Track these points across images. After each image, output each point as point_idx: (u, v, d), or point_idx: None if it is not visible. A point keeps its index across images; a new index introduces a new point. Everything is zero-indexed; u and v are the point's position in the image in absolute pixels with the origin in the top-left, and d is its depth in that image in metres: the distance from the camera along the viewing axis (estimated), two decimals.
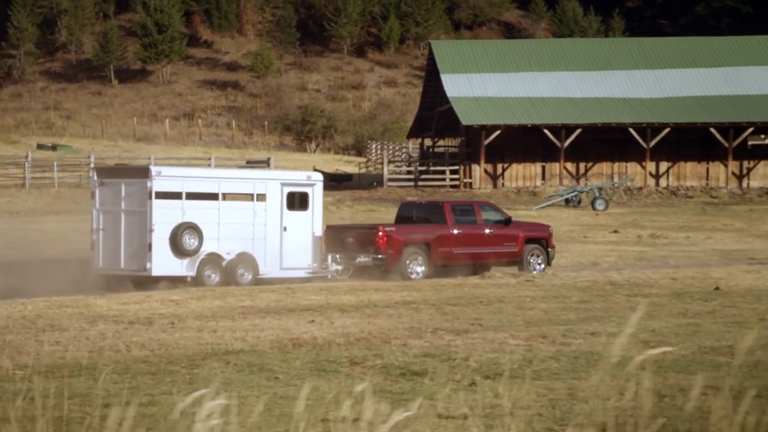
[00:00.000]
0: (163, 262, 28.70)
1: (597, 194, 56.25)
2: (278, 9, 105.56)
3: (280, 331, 18.53)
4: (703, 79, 65.94)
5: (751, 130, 63.56)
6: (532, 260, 33.46)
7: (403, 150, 78.02)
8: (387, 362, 14.92)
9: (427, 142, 72.55)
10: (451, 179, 64.29)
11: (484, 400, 11.97)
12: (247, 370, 14.60)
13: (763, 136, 69.08)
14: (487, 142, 62.29)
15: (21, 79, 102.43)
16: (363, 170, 69.95)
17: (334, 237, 31.67)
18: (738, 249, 42.10)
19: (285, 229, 30.45)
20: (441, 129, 68.34)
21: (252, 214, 30.10)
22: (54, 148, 76.10)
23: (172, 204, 29.08)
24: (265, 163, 63.79)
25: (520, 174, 64.37)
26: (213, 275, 29.15)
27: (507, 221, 34.04)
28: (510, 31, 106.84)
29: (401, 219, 34.08)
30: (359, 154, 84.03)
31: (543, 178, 63.96)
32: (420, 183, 64.17)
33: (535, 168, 63.73)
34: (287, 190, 30.59)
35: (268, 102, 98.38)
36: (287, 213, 30.50)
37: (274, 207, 30.30)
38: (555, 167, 63.22)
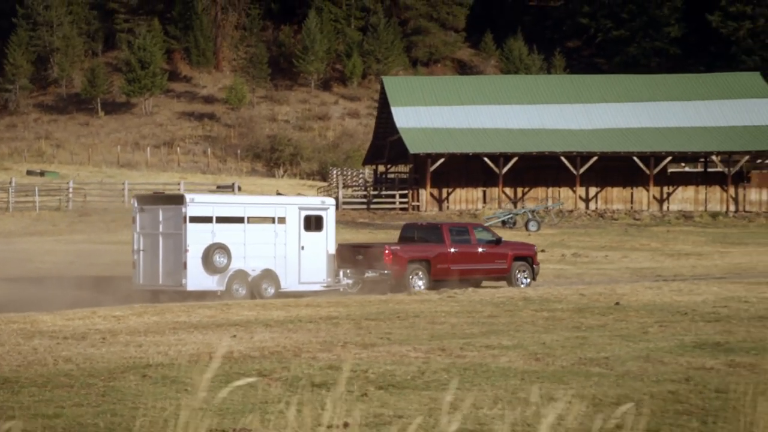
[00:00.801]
0: (197, 278, 29.69)
1: (530, 216, 56.46)
2: (251, 47, 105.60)
3: (201, 345, 18.20)
4: (628, 113, 66.35)
5: (669, 159, 63.93)
6: (519, 276, 34.41)
7: (360, 176, 78.10)
8: (292, 374, 14.69)
9: (381, 168, 72.64)
10: (401, 203, 64.43)
11: (370, 409, 12.14)
12: (160, 382, 14.51)
13: (683, 165, 69.55)
14: (432, 168, 62.48)
15: (16, 111, 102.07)
16: (322, 194, 69.99)
17: (346, 254, 32.52)
18: (649, 267, 42.36)
19: (302, 248, 31.22)
20: (393, 157, 68.50)
21: (274, 235, 30.91)
22: (42, 174, 75.97)
23: (204, 227, 30.00)
24: (230, 188, 64.01)
25: (463, 198, 64.56)
26: (240, 289, 30.11)
27: (497, 241, 35.01)
28: (462, 68, 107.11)
29: (404, 239, 35.01)
30: (324, 179, 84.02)
31: (484, 201, 64.17)
32: (372, 206, 64.25)
33: (477, 192, 63.98)
34: (304, 213, 31.47)
35: (241, 132, 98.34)
36: (304, 234, 31.30)
37: (293, 229, 31.14)
38: (494, 192, 63.48)
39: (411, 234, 35.55)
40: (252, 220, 31.13)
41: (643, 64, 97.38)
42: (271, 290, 30.46)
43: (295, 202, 33.94)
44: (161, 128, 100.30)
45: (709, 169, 66.99)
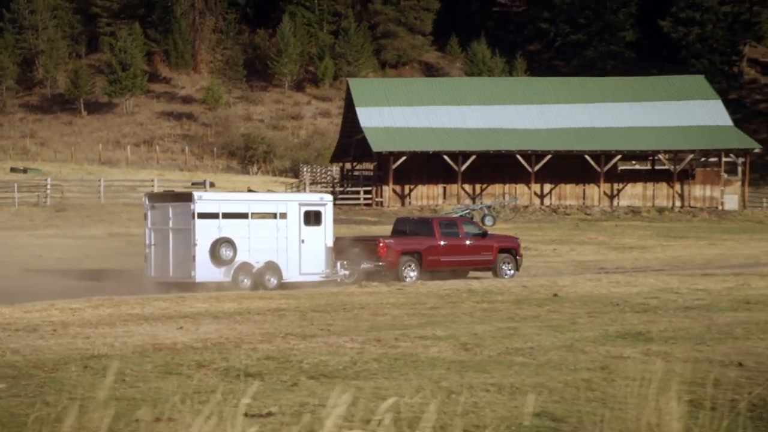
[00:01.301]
0: (205, 271, 30.03)
1: (486, 212, 56.41)
2: (228, 50, 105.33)
3: (147, 337, 17.95)
4: (581, 113, 66.55)
5: (619, 157, 64.24)
6: (504, 267, 34.67)
7: (328, 173, 78.06)
8: (229, 365, 14.35)
9: (348, 166, 72.65)
10: (365, 198, 64.46)
11: (296, 398, 11.90)
12: (100, 373, 13.92)
13: (634, 162, 69.79)
14: (395, 166, 62.54)
15: (2, 111, 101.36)
16: (291, 191, 69.88)
17: (343, 247, 32.82)
18: (593, 260, 42.14)
19: (303, 241, 31.61)
20: (358, 155, 68.43)
21: (276, 230, 31.35)
22: (25, 171, 75.59)
23: (211, 223, 30.35)
24: (202, 185, 63.79)
25: (425, 194, 64.60)
26: (245, 280, 30.41)
27: (483, 234, 35.43)
28: (429, 70, 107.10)
29: (396, 232, 35.24)
30: (296, 176, 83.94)
31: (444, 197, 64.24)
32: (338, 202, 64.06)
33: (438, 189, 64.07)
34: (304, 209, 31.88)
35: (218, 130, 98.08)
36: (304, 228, 31.71)
37: (293, 223, 31.56)
38: (454, 188, 63.55)
39: (403, 228, 35.75)
40: (255, 215, 31.40)
41: (600, 66, 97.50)
42: (274, 281, 30.85)
43: (295, 198, 34.70)
44: (141, 127, 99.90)
45: (657, 167, 67.32)
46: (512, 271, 34.76)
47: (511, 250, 35.40)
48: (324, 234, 32.08)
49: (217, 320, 20.63)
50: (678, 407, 8.38)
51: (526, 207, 62.99)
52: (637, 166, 68.86)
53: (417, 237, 34.57)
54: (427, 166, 63.45)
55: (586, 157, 63.20)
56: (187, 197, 31.16)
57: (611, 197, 65.06)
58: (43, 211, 56.81)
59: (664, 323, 19.84)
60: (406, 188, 63.62)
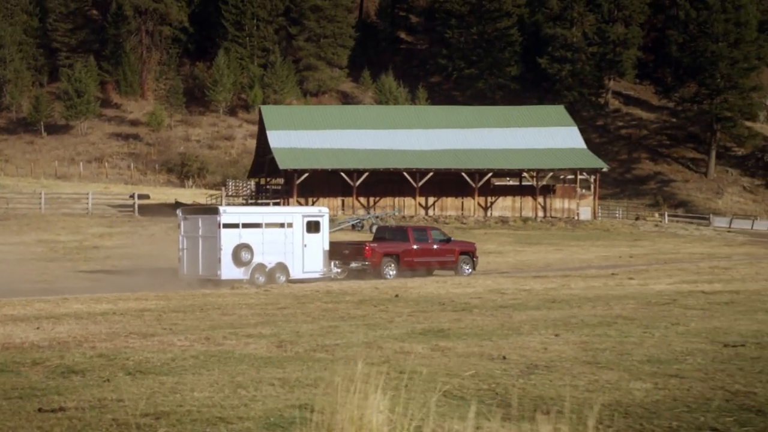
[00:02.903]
0: (228, 270, 31.85)
1: (374, 221, 56.51)
2: (170, 80, 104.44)
3: (2, 336, 16.92)
4: (459, 137, 66.79)
5: (490, 174, 64.48)
6: (463, 266, 36.28)
7: (248, 187, 77.62)
8: (62, 363, 13.59)
9: (263, 181, 72.28)
10: None
11: (102, 394, 11.23)
12: None
13: (509, 179, 70.25)
14: (299, 181, 62.27)
15: None
16: (213, 201, 69.34)
17: (336, 250, 34.48)
18: None
19: (305, 245, 33.37)
20: (270, 171, 67.94)
21: (284, 237, 33.10)
22: None
23: (233, 231, 32.18)
24: (136, 198, 63.09)
25: (325, 205, 62.35)
26: (260, 278, 32.13)
27: (448, 240, 37.24)
28: (345, 98, 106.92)
29: (378, 238, 36.82)
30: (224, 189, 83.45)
31: (342, 208, 64.07)
32: None
33: (337, 201, 63.83)
34: (306, 219, 33.75)
35: (160, 149, 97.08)
36: (306, 235, 33.48)
37: (298, 231, 33.34)
38: (350, 200, 63.50)
39: (383, 234, 37.29)
40: (268, 225, 33.02)
41: (490, 96, 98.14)
42: (283, 278, 32.51)
43: (299, 211, 36.07)
44: (93, 146, 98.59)
45: (524, 183, 67.74)
46: (470, 270, 36.33)
47: (469, 252, 37.06)
48: (322, 240, 33.73)
49: (78, 321, 19.62)
50: (383, 400, 8.09)
51: (412, 217, 63.08)
52: (511, 182, 69.23)
53: (395, 242, 36.03)
54: (327, 181, 63.32)
55: (463, 174, 63.45)
56: (214, 211, 33.54)
57: (485, 209, 65.37)
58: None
59: (468, 321, 19.29)
60: (310, 200, 63.41)
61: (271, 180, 70.64)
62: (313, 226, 33.66)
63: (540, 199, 65.14)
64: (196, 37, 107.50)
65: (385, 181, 63.41)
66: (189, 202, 68.90)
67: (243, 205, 65.91)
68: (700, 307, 22.51)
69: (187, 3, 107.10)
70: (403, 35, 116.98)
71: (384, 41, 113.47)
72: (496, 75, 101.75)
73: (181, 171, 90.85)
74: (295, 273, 32.96)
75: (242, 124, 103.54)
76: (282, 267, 32.82)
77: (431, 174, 62.87)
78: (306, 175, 62.01)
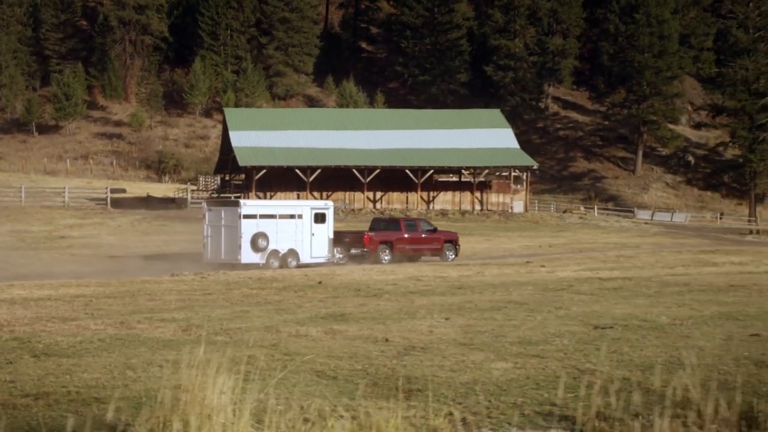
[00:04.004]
0: (247, 255, 32.68)
1: None
2: (151, 84, 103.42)
3: None
4: (404, 137, 66.27)
5: (431, 171, 64.03)
6: (447, 252, 36.96)
7: (215, 182, 76.78)
8: None
9: (227, 176, 71.49)
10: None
11: (2, 375, 10.53)
12: None
13: (451, 175, 69.88)
14: (257, 177, 61.52)
15: None
16: (180, 195, 68.48)
17: (338, 238, 35.26)
18: None
19: (313, 234, 34.11)
20: (234, 168, 67.23)
21: (295, 226, 33.85)
22: None
23: (252, 221, 32.99)
24: (109, 192, 62.16)
25: (281, 198, 63.50)
26: (275, 262, 32.85)
27: (434, 230, 38.12)
28: (311, 102, 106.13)
29: (373, 228, 37.49)
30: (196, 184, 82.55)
31: None
32: None
33: (292, 195, 62.88)
34: (314, 212, 34.52)
35: (140, 148, 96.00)
36: (314, 225, 34.24)
37: (307, 222, 34.12)
38: (305, 195, 62.82)
39: (378, 225, 38.00)
40: (281, 216, 33.76)
41: (442, 100, 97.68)
42: (294, 263, 33.16)
43: (308, 204, 36.30)
44: (80, 145, 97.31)
45: (462, 179, 67.32)
46: (453, 256, 37.05)
47: (452, 241, 37.77)
48: (327, 229, 34.44)
49: (11, 305, 18.47)
50: (228, 381, 7.36)
51: (361, 209, 62.53)
52: (454, 178, 68.84)
53: (389, 231, 36.81)
54: (284, 177, 62.63)
55: (407, 171, 62.95)
56: (235, 204, 34.09)
57: (428, 202, 64.92)
58: None
59: (372, 306, 18.64)
60: (268, 195, 62.77)
61: (234, 176, 69.87)
62: (319, 218, 34.34)
63: (477, 194, 64.75)
64: (175, 45, 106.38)
65: (337, 177, 62.82)
66: (160, 195, 68.10)
67: (209, 197, 65.11)
68: (590, 292, 22.14)
69: (167, 14, 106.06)
70: (364, 45, 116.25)
71: (346, 50, 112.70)
72: (448, 81, 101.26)
73: (159, 167, 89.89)
74: (304, 258, 33.63)
75: (216, 125, 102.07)
76: (293, 253, 33.43)
77: (378, 171, 62.34)
78: (264, 171, 61.30)
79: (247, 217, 32.86)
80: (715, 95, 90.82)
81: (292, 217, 33.97)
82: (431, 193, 65.09)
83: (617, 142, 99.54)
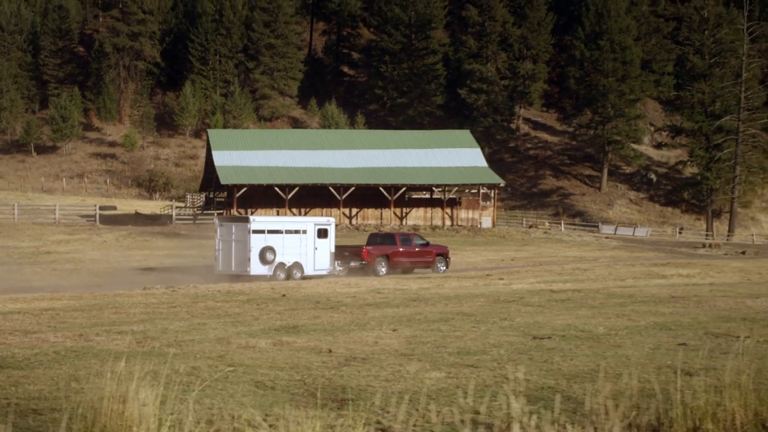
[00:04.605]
0: (256, 267, 33.01)
1: None
2: (143, 107, 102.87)
3: None
4: (379, 157, 66.04)
5: (404, 189, 63.80)
6: (439, 265, 37.29)
7: (201, 199, 76.33)
8: None
9: (211, 194, 71.04)
10: None
11: None
12: None
13: (424, 192, 69.67)
14: (239, 194, 61.22)
15: None
16: (165, 211, 68.00)
17: (339, 251, 35.63)
18: None
19: (316, 248, 34.45)
20: (217, 186, 66.75)
21: (300, 241, 34.10)
22: None
23: (260, 236, 33.28)
24: (97, 209, 61.64)
25: (262, 215, 62.89)
26: (281, 274, 33.15)
27: (427, 244, 38.42)
28: (295, 123, 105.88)
29: (370, 242, 37.70)
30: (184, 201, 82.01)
31: None
32: (197, 221, 62.72)
33: (272, 212, 62.66)
34: (317, 227, 34.77)
35: (132, 167, 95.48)
36: (317, 240, 34.56)
37: (310, 237, 34.42)
38: (284, 211, 62.46)
39: (375, 240, 38.16)
40: (287, 231, 33.99)
41: (419, 122, 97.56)
42: (299, 274, 33.47)
43: (312, 221, 36.07)
44: (76, 164, 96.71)
45: (434, 196, 67.08)
46: (444, 268, 37.38)
47: (443, 254, 38.02)
48: (329, 243, 34.76)
49: None
50: (151, 392, 7.11)
51: (337, 225, 62.03)
52: (426, 195, 68.63)
53: (385, 245, 37.01)
54: (264, 194, 62.34)
55: (381, 188, 62.71)
56: (245, 220, 34.35)
57: (401, 218, 64.66)
58: None
59: (326, 318, 18.08)
60: (249, 211, 62.37)
61: (218, 193, 69.52)
62: (322, 233, 34.67)
63: (447, 210, 64.54)
64: (167, 70, 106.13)
65: (314, 195, 62.52)
66: (148, 212, 67.62)
67: (195, 214, 64.82)
68: (538, 304, 21.70)
69: (159, 41, 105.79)
70: (345, 69, 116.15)
71: (329, 74, 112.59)
72: (424, 103, 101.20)
73: (149, 186, 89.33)
74: (308, 270, 33.89)
75: (205, 145, 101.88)
76: (298, 265, 33.73)
77: (353, 188, 62.10)
78: (245, 189, 60.95)
79: (256, 232, 33.23)
80: (674, 117, 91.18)
81: (297, 232, 34.26)
82: (404, 210, 64.85)
83: (584, 160, 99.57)
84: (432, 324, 16.80)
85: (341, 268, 35.17)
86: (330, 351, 12.99)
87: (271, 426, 8.07)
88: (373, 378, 10.58)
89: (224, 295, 24.96)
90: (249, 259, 32.76)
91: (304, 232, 34.31)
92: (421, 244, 37.77)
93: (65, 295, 24.80)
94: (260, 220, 35.00)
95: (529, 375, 10.59)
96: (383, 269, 35.67)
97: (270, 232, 33.62)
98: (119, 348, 13.48)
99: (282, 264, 33.43)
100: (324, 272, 34.17)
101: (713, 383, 7.52)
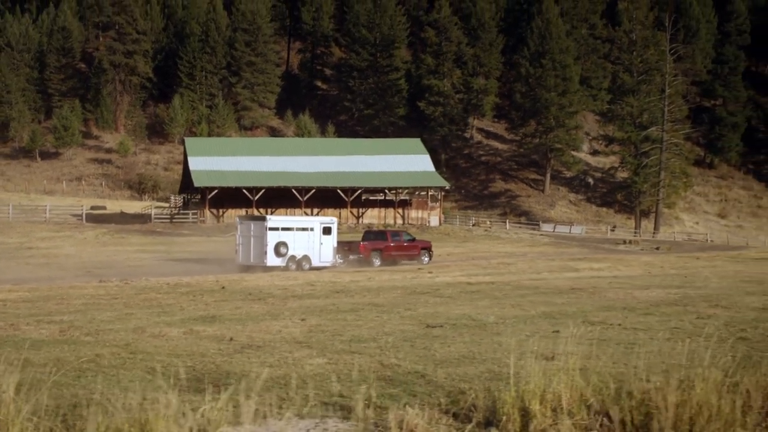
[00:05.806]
0: (272, 260, 33.77)
1: None
2: (137, 117, 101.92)
3: None
4: (338, 162, 65.52)
5: (360, 191, 63.29)
6: (423, 258, 38.34)
7: (181, 201, 75.48)
8: None
9: (188, 196, 70.23)
10: (192, 217, 62.19)
11: None
12: None
13: (378, 194, 69.13)
14: (210, 196, 60.57)
15: None
16: (146, 211, 67.09)
17: (340, 246, 36.44)
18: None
19: (321, 243, 35.12)
20: (192, 189, 66.00)
21: (308, 237, 34.85)
22: None
23: (275, 233, 34.14)
24: (84, 209, 60.70)
25: (233, 215, 62.32)
26: (292, 265, 33.77)
27: (413, 239, 39.60)
28: (273, 132, 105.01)
29: (365, 238, 38.77)
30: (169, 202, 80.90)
31: None
32: (174, 220, 61.89)
33: (241, 211, 61.67)
34: (323, 226, 35.45)
35: (126, 171, 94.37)
36: (322, 236, 35.26)
37: (317, 233, 35.15)
38: (251, 212, 61.78)
39: (369, 236, 39.23)
40: (298, 229, 34.76)
41: (384, 131, 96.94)
42: (307, 266, 33.96)
43: (318, 220, 36.62)
44: (75, 169, 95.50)
45: (387, 198, 66.57)
46: (427, 259, 38.40)
47: (427, 248, 39.19)
48: (332, 239, 35.43)
49: None
50: (12, 379, 6.35)
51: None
52: (380, 197, 68.15)
53: (378, 241, 38.17)
54: (233, 196, 61.64)
55: (339, 191, 62.13)
56: (262, 219, 35.14)
57: (357, 217, 64.12)
58: None
59: (246, 309, 16.95)
60: (221, 211, 61.64)
61: (194, 195, 68.71)
62: (326, 230, 35.32)
63: (399, 210, 64.06)
64: (158, 84, 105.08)
65: (279, 196, 61.87)
66: (133, 212, 66.75)
67: (172, 213, 64.03)
68: (449, 295, 20.82)
69: (151, 59, 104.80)
70: (319, 83, 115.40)
71: (304, 88, 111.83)
72: (388, 114, 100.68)
73: (140, 188, 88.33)
74: (315, 262, 34.46)
75: None
76: (306, 258, 34.36)
77: (314, 191, 61.51)
78: (216, 191, 60.19)
79: (272, 229, 33.99)
80: (608, 127, 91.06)
81: (305, 229, 34.90)
82: (360, 210, 64.32)
83: (529, 166, 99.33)
84: (340, 314, 15.96)
85: (342, 261, 35.77)
86: (231, 339, 12.29)
87: (144, 410, 7.47)
88: (259, 364, 9.96)
89: (170, 287, 23.80)
90: (266, 253, 33.56)
91: (312, 229, 34.98)
92: (409, 240, 38.84)
93: (24, 287, 23.74)
94: (275, 219, 35.59)
95: (403, 361, 10.02)
96: (377, 261, 36.51)
97: (283, 229, 34.41)
98: (41, 337, 12.80)
99: (293, 256, 34.15)
100: (328, 264, 34.73)
101: (562, 366, 7.08)
